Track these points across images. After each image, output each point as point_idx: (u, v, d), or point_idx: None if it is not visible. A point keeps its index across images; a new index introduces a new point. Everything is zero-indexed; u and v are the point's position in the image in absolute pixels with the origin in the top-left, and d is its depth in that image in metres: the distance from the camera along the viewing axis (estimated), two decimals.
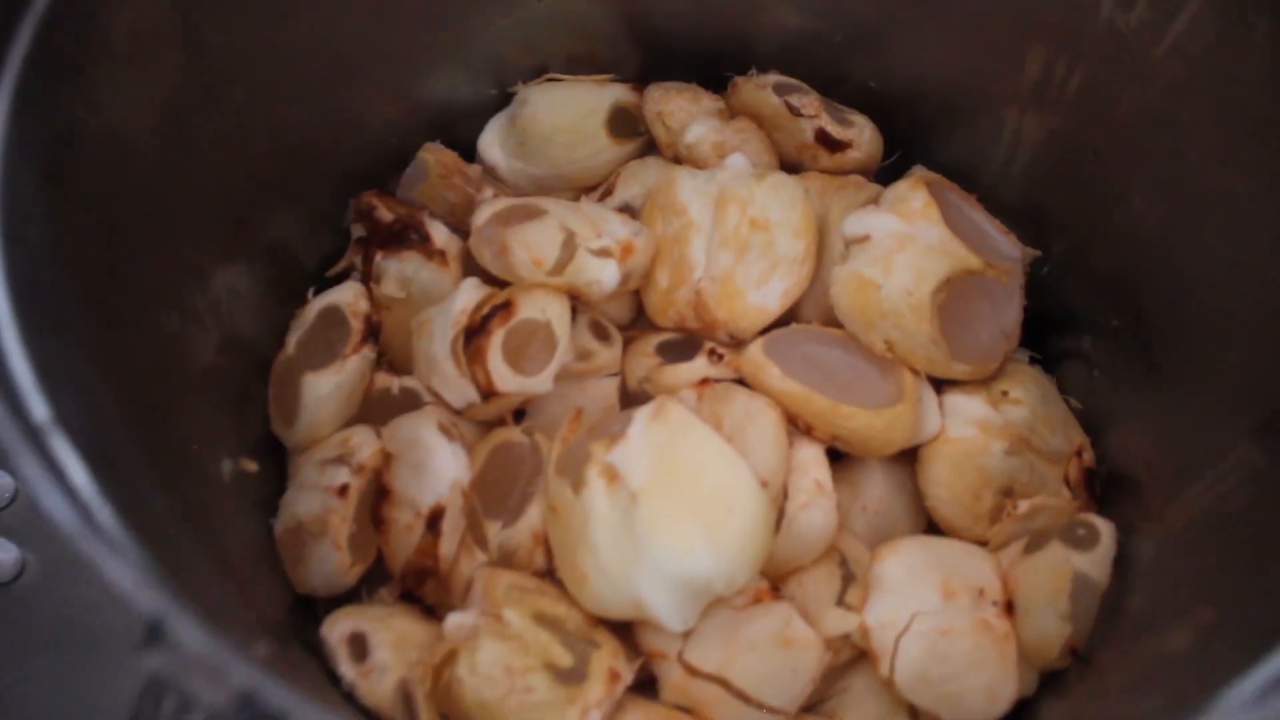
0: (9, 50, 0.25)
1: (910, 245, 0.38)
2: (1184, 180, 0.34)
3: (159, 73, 0.32)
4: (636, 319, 0.45)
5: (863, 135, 0.45)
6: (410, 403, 0.41)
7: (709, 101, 0.46)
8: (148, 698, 0.21)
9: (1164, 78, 0.34)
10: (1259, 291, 0.31)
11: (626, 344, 0.43)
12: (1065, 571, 0.35)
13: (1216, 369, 0.34)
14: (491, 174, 0.47)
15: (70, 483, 0.24)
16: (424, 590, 0.38)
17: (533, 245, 0.40)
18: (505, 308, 0.39)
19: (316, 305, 0.42)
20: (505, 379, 0.38)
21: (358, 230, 0.44)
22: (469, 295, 0.40)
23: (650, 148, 0.47)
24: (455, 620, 0.35)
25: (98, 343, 0.27)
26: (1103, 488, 0.40)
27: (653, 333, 0.43)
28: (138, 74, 0.30)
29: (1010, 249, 0.41)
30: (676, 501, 0.34)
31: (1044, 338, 0.44)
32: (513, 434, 0.40)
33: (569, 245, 0.40)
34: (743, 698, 0.35)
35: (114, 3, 0.29)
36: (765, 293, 0.41)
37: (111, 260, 0.29)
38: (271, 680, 0.18)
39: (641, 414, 0.36)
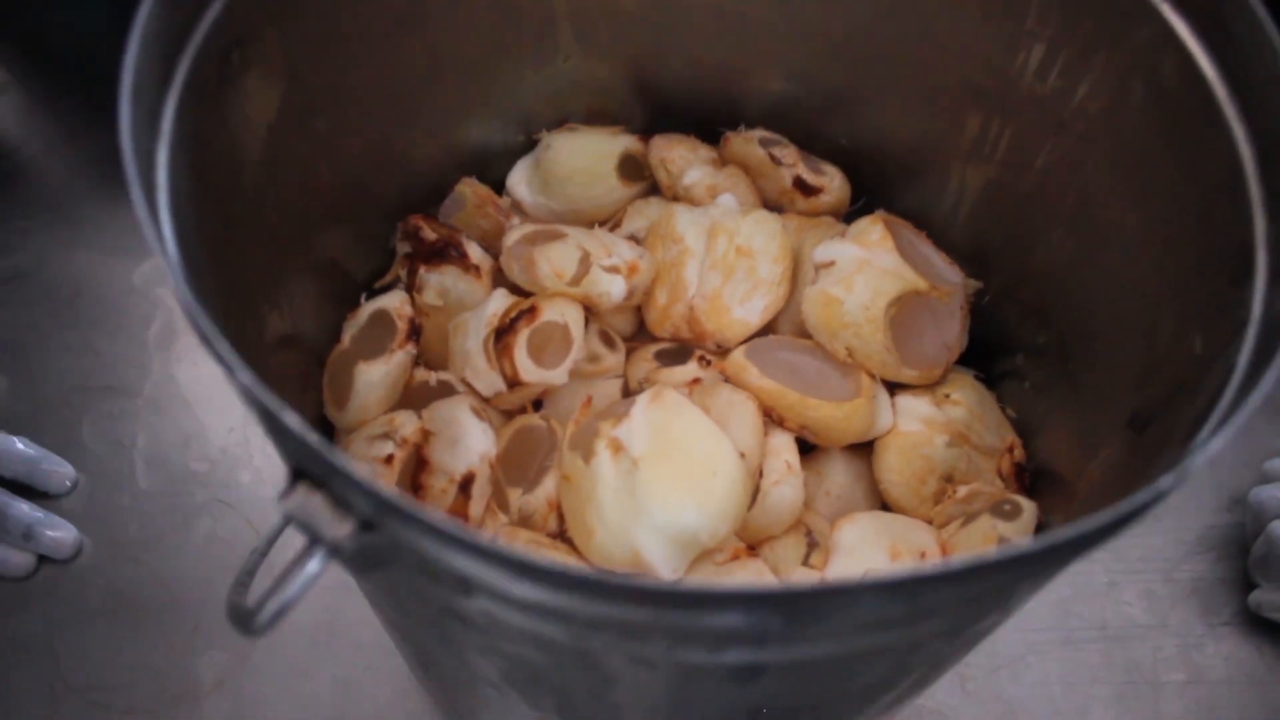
0: (175, 72, 0.33)
1: (868, 269, 0.46)
2: (1088, 216, 0.42)
3: (266, 102, 0.39)
4: (637, 332, 0.53)
5: (833, 183, 0.53)
6: (445, 393, 0.48)
7: (704, 151, 0.55)
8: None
9: (1073, 133, 0.42)
10: (1139, 305, 0.39)
11: (629, 352, 0.51)
12: (992, 536, 0.42)
13: (1112, 375, 0.42)
14: (518, 207, 0.54)
15: None
16: None
17: (554, 261, 0.47)
18: (530, 312, 0.47)
19: (368, 309, 0.49)
20: (529, 371, 0.46)
21: (404, 248, 0.52)
22: (499, 302, 0.47)
23: (654, 189, 0.56)
24: None
25: (221, 313, 0.34)
26: (1031, 480, 0.48)
27: (651, 343, 0.51)
28: (253, 102, 0.38)
29: (952, 275, 0.49)
30: (670, 467, 0.41)
31: (988, 360, 0.52)
32: (533, 419, 0.47)
33: (584, 262, 0.48)
34: None
35: (243, 40, 0.36)
36: (748, 309, 0.49)
37: (228, 248, 0.37)
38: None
39: (643, 398, 0.43)
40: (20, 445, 0.58)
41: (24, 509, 0.56)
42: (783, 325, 0.50)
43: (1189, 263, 0.34)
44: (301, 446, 0.24)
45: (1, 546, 0.56)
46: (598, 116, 0.56)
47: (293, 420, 0.24)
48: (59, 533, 0.56)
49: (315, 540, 0.26)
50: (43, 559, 0.57)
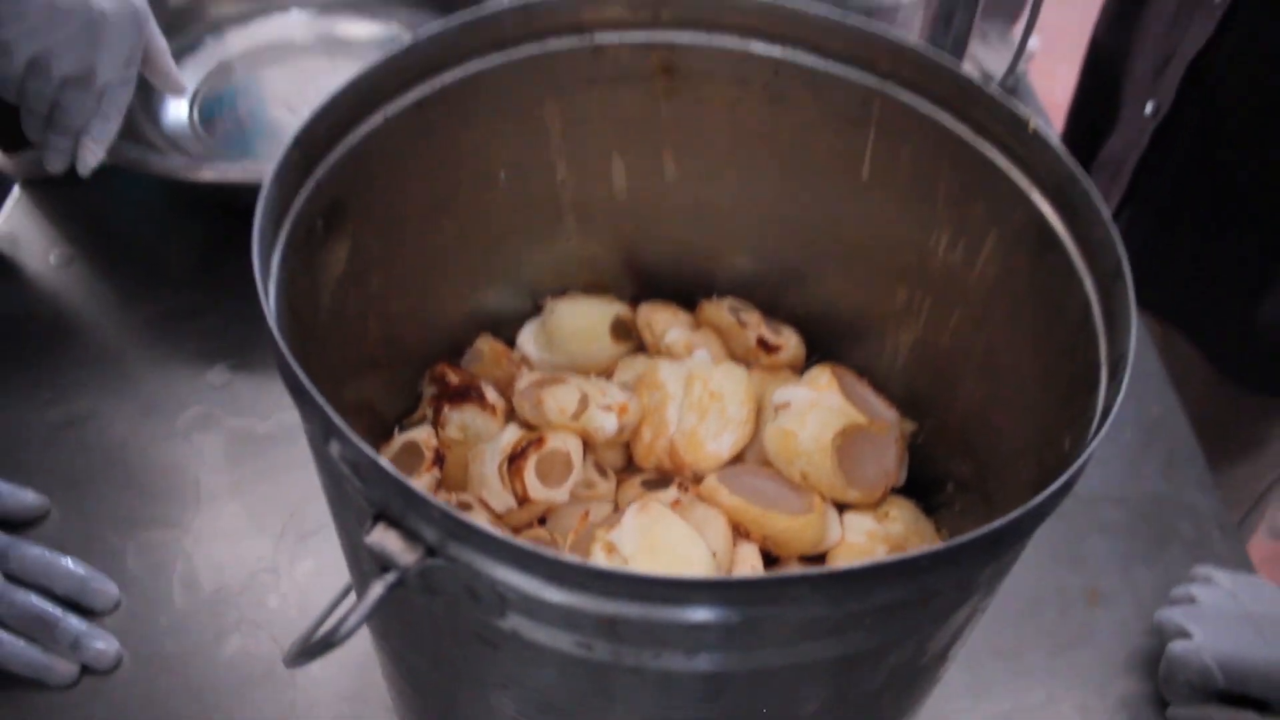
0: (280, 230, 0.43)
1: (818, 407, 0.56)
2: (993, 362, 0.53)
3: (336, 261, 0.50)
4: (626, 466, 0.61)
5: (790, 342, 0.63)
6: (464, 510, 0.57)
7: (683, 316, 0.65)
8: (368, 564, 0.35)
9: (976, 296, 0.53)
10: (1034, 426, 0.48)
11: (619, 482, 0.60)
12: None
13: (1017, 489, 0.50)
14: (526, 360, 0.64)
15: None
16: None
17: (559, 399, 0.57)
18: (538, 441, 0.56)
19: (400, 440, 0.58)
20: (536, 490, 0.54)
21: (430, 390, 0.61)
22: (512, 434, 0.56)
23: (641, 347, 0.66)
24: None
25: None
26: None
27: (638, 474, 0.60)
28: (328, 259, 0.48)
29: (887, 413, 0.58)
30: (655, 562, 0.49)
31: (925, 493, 0.61)
32: (539, 532, 0.55)
33: (584, 402, 0.57)
34: None
35: (323, 212, 0.47)
36: (719, 443, 0.58)
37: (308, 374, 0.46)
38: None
39: (632, 507, 0.52)
40: (70, 564, 0.65)
41: (73, 622, 0.63)
42: (749, 456, 0.59)
43: (1063, 384, 0.44)
44: (386, 486, 0.33)
45: (50, 656, 0.62)
46: (594, 287, 0.67)
47: (382, 461, 0.32)
48: (103, 645, 0.63)
49: (388, 568, 0.34)
50: (86, 669, 0.63)
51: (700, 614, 0.31)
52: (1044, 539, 0.70)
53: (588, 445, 0.58)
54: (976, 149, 0.50)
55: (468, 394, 0.59)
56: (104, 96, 0.76)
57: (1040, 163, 0.46)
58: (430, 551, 0.33)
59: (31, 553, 0.65)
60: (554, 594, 0.32)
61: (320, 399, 0.34)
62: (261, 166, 0.79)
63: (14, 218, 0.89)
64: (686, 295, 0.66)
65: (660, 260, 0.66)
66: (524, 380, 0.59)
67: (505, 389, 0.61)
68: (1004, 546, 0.33)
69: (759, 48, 0.55)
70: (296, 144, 0.44)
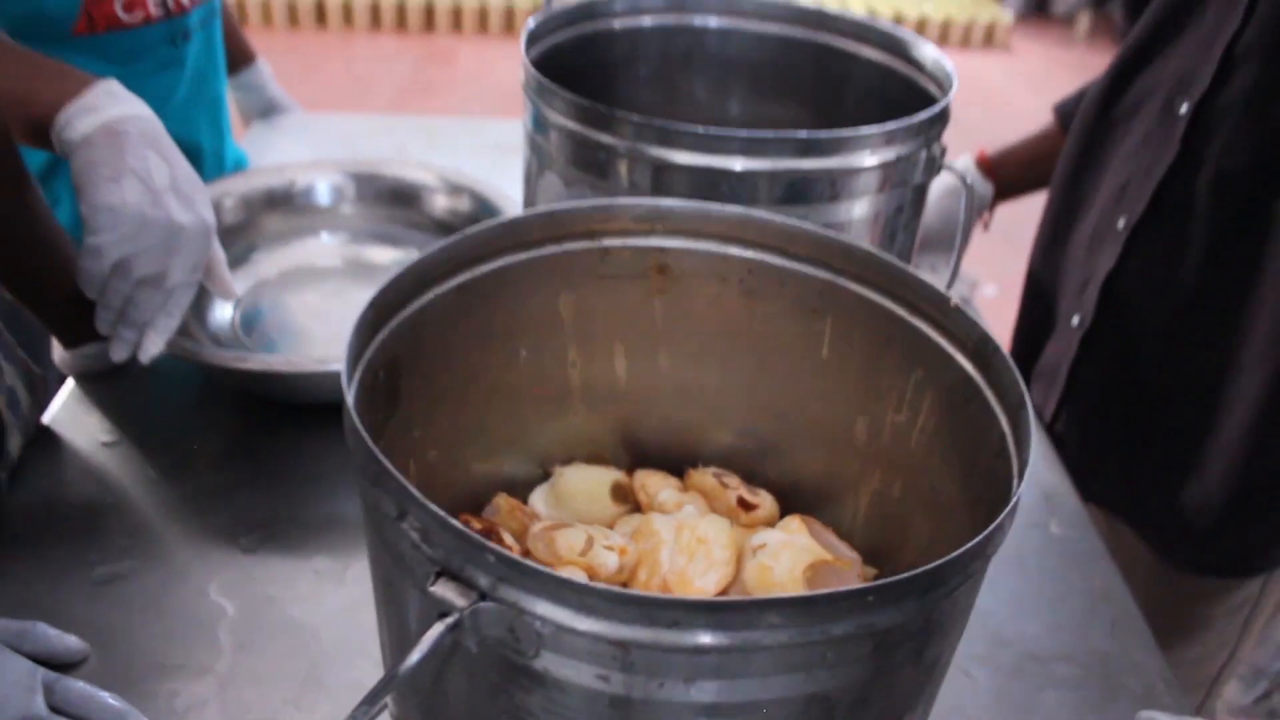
0: (355, 373, 0.53)
1: (790, 546, 0.65)
2: (935, 500, 0.62)
3: (389, 409, 0.60)
4: None
5: (766, 502, 0.73)
6: None
7: (674, 481, 0.75)
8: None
9: (920, 445, 0.63)
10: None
11: None
12: None
13: None
14: (535, 516, 0.73)
15: None
16: None
17: (568, 539, 0.66)
18: None
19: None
20: None
21: None
22: None
23: (637, 509, 0.75)
24: None
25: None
26: None
27: None
28: (385, 406, 0.59)
29: (849, 553, 0.67)
30: None
31: None
32: None
33: (589, 542, 0.66)
34: None
35: (383, 366, 0.58)
36: (705, 580, 0.67)
37: None
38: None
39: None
40: (110, 699, 0.71)
41: None
42: (732, 592, 0.67)
43: (985, 506, 0.54)
44: (454, 540, 0.42)
45: None
46: (596, 458, 0.77)
47: (450, 519, 0.42)
48: None
49: (446, 613, 0.42)
50: None
51: (697, 637, 0.40)
52: (1003, 693, 0.78)
53: (591, 579, 0.66)
54: (913, 325, 0.62)
55: (489, 536, 0.68)
56: (171, 296, 0.88)
57: (961, 331, 0.58)
58: (482, 596, 0.42)
59: (75, 687, 0.71)
60: (581, 622, 0.40)
61: (397, 474, 0.44)
62: (297, 360, 0.91)
63: (68, 404, 0.99)
64: (675, 466, 0.77)
65: (653, 436, 0.77)
66: (537, 526, 0.68)
67: (520, 536, 0.70)
68: (939, 584, 0.42)
69: (735, 251, 0.68)
70: (372, 306, 0.55)
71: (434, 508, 0.42)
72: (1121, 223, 0.98)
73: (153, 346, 0.89)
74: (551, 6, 0.89)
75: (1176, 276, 0.94)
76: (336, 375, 0.90)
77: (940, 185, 1.21)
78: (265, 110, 1.54)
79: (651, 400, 0.76)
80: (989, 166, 1.24)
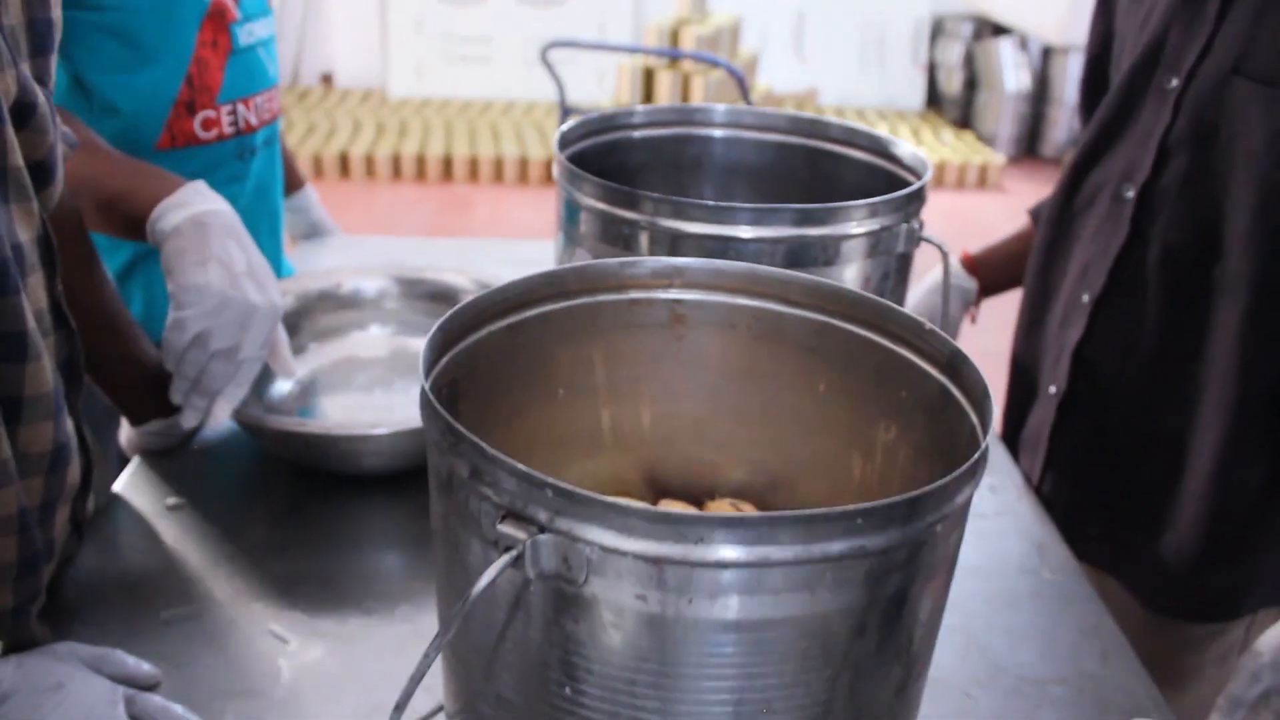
0: (430, 377, 0.64)
1: None
2: None
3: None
4: None
5: None
6: None
7: (694, 510, 0.84)
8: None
9: (906, 455, 0.73)
10: None
11: None
12: None
13: None
14: None
15: None
16: None
17: None
18: None
19: None
20: None
21: None
22: None
23: None
24: None
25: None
26: None
27: None
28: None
29: None
30: None
31: None
32: None
33: None
34: None
35: (448, 382, 0.68)
36: None
37: None
38: None
39: None
40: (182, 711, 0.78)
41: None
42: None
43: None
44: (521, 481, 0.51)
45: None
46: (622, 494, 0.86)
47: (518, 464, 0.51)
48: None
49: (511, 547, 0.51)
50: None
51: (719, 551, 0.49)
52: (1001, 712, 0.85)
53: None
54: (894, 351, 0.72)
55: None
56: (241, 368, 0.99)
57: (935, 349, 0.69)
58: (540, 529, 0.51)
59: (154, 701, 0.78)
60: (624, 542, 0.49)
61: (470, 435, 0.53)
62: (350, 424, 1.01)
63: (135, 475, 1.09)
64: (695, 498, 0.86)
65: (674, 473, 0.86)
66: None
67: None
68: (918, 514, 0.51)
69: (742, 301, 0.79)
70: (439, 329, 0.66)
71: (503, 456, 0.52)
72: (1086, 298, 1.10)
73: (222, 413, 0.99)
74: (566, 112, 1.03)
75: (1136, 343, 1.06)
76: (387, 438, 1.00)
77: (926, 283, 1.33)
78: (311, 231, 1.69)
79: (672, 440, 0.85)
80: (972, 265, 1.36)
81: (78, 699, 0.77)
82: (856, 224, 0.89)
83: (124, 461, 1.13)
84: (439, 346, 0.66)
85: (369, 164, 4.93)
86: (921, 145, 5.21)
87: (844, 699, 0.56)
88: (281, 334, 1.05)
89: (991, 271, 1.35)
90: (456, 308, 0.69)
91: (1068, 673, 0.91)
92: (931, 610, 0.59)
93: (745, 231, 0.87)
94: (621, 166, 1.11)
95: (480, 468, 0.54)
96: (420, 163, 4.96)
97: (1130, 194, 1.06)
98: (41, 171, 0.78)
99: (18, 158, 0.73)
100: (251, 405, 1.08)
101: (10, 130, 0.72)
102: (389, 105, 5.73)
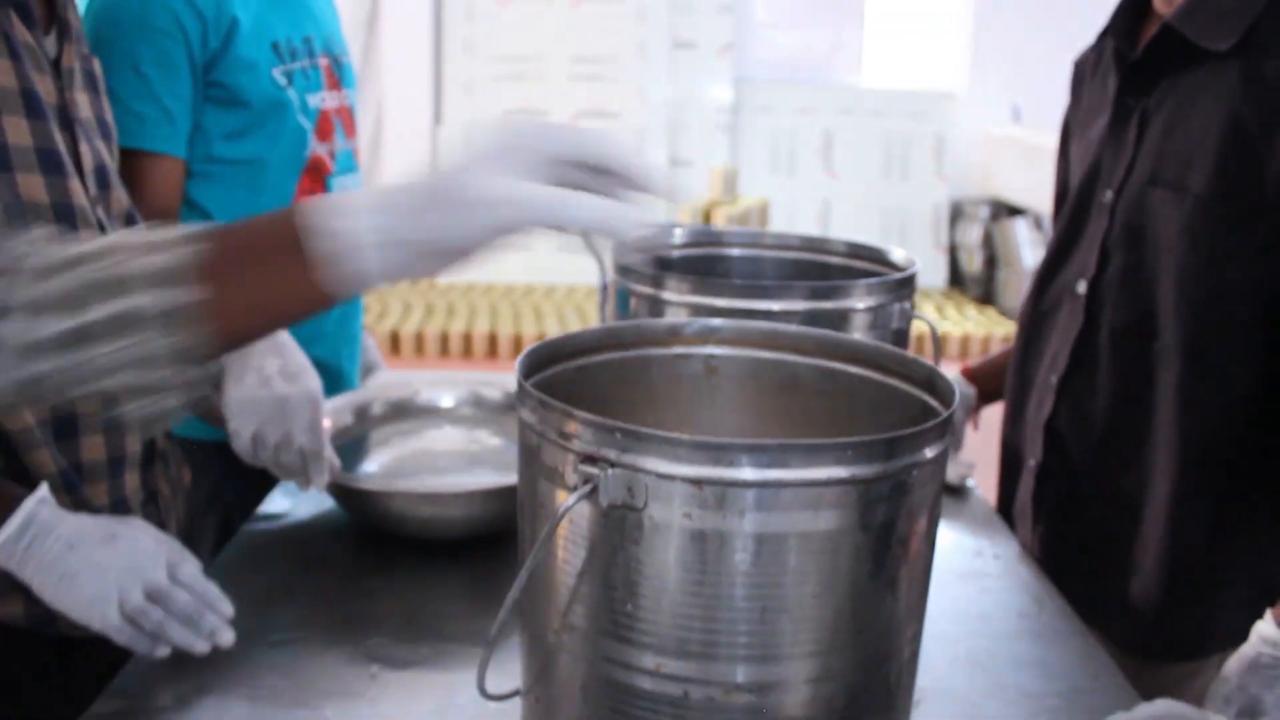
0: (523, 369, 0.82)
1: None
2: None
3: None
4: None
5: None
6: None
7: None
8: None
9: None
10: None
11: None
12: None
13: None
14: None
15: None
16: None
17: None
18: None
19: None
20: None
21: None
22: None
23: None
24: None
25: None
26: None
27: None
28: None
29: None
30: None
31: None
32: None
33: None
34: None
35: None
36: None
37: None
38: None
39: None
40: (216, 589, 0.98)
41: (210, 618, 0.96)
42: None
43: None
44: (596, 430, 0.69)
45: (195, 636, 0.94)
46: None
47: (592, 416, 0.69)
48: (230, 636, 0.96)
49: (588, 481, 0.68)
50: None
51: (743, 472, 0.66)
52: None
53: None
54: (887, 382, 0.90)
55: None
56: (304, 454, 1.15)
57: (917, 373, 0.86)
58: (611, 465, 0.68)
59: (193, 569, 0.98)
60: (674, 468, 0.66)
61: (559, 403, 0.71)
62: (439, 483, 1.19)
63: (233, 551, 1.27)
64: None
65: None
66: None
67: None
68: (900, 451, 0.68)
69: (766, 354, 0.98)
70: (528, 354, 0.84)
71: (583, 413, 0.70)
72: (1054, 379, 1.30)
73: (318, 481, 1.17)
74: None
75: (1094, 414, 1.25)
76: (471, 497, 1.17)
77: None
78: (368, 370, 1.90)
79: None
80: (971, 375, 1.55)
81: (123, 551, 0.93)
82: (858, 300, 1.08)
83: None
84: (528, 367, 0.84)
85: (418, 341, 5.24)
86: (946, 320, 5.45)
87: (846, 617, 0.71)
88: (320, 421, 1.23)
89: (988, 379, 1.53)
90: (537, 344, 0.87)
91: (1063, 689, 1.03)
92: (916, 555, 0.74)
93: (766, 305, 1.07)
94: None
95: (565, 427, 0.71)
96: (467, 339, 5.27)
97: (1082, 289, 1.27)
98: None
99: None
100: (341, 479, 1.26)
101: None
102: (437, 289, 6.11)
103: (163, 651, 0.94)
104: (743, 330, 0.98)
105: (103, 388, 0.65)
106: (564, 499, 0.72)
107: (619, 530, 0.70)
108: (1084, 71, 1.38)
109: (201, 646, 0.95)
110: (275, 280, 0.66)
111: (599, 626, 0.73)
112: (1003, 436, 1.44)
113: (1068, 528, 1.31)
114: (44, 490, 0.95)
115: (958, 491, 1.45)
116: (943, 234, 6.14)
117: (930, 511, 0.75)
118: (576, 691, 0.75)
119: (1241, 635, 1.19)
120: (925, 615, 0.80)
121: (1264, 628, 1.10)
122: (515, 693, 0.87)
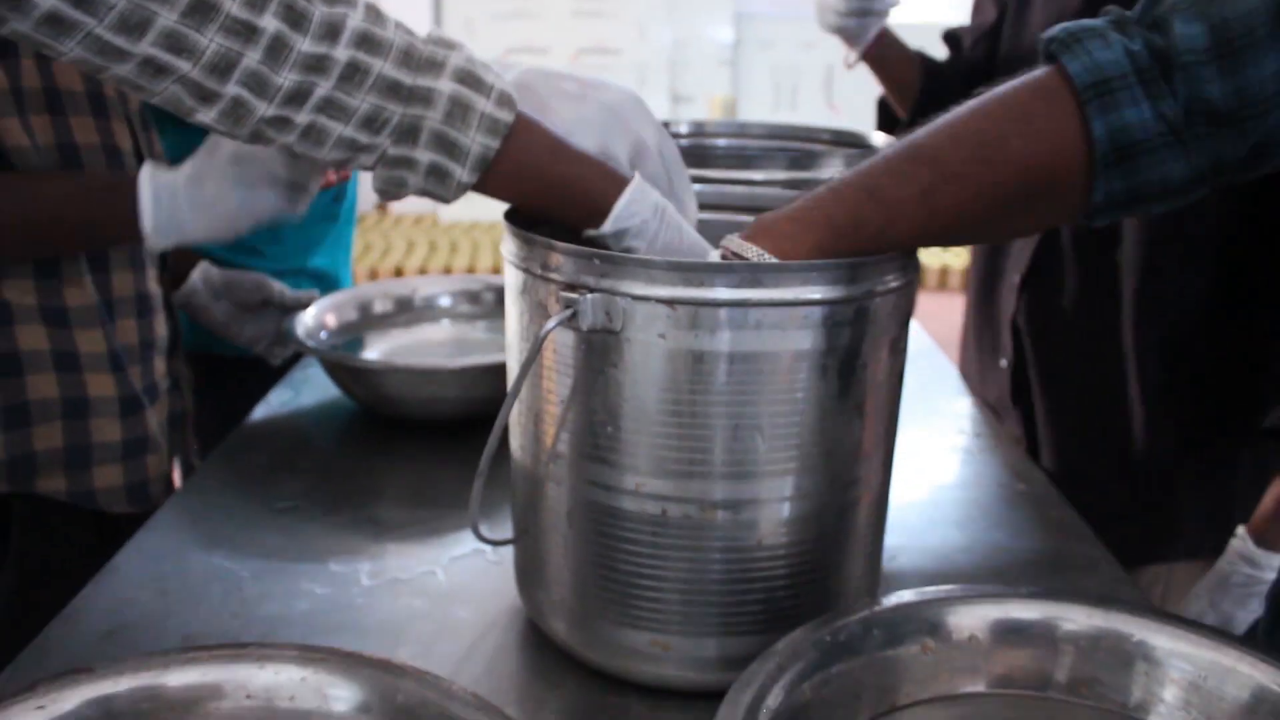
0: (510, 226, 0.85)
1: None
2: None
3: None
4: None
5: None
6: None
7: None
8: None
9: None
10: None
11: None
12: None
13: None
14: None
15: None
16: None
17: None
18: None
19: None
20: None
21: None
22: None
23: None
24: None
25: None
26: None
27: None
28: None
29: None
30: None
31: None
32: None
33: None
34: None
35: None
36: None
37: None
38: None
39: None
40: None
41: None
42: None
43: None
44: (578, 259, 0.72)
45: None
46: None
47: (571, 245, 0.72)
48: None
49: (569, 305, 0.72)
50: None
51: (716, 292, 0.69)
52: (978, 571, 1.01)
53: None
54: None
55: None
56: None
57: None
58: (589, 290, 0.72)
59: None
60: (648, 289, 0.70)
61: (541, 238, 0.74)
62: (435, 366, 1.23)
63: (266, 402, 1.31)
64: None
65: None
66: None
67: None
68: (863, 276, 0.71)
69: (747, 220, 1.00)
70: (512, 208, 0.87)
71: (565, 244, 0.73)
72: (1015, 278, 1.36)
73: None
74: None
75: (1061, 312, 1.31)
76: (465, 372, 1.21)
77: None
78: None
79: None
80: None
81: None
82: (839, 169, 1.11)
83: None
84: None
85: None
86: None
87: (815, 437, 0.74)
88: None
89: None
90: None
91: (1036, 545, 1.07)
92: (881, 383, 0.77)
93: (749, 174, 1.10)
94: None
95: (548, 260, 0.74)
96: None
97: None
98: None
99: None
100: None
101: None
102: (440, 228, 6.12)
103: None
104: (724, 195, 1.01)
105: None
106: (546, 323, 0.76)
107: (600, 354, 0.73)
108: None
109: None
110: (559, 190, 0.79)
111: (582, 451, 0.76)
112: (974, 330, 1.48)
113: (1053, 419, 1.36)
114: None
115: None
116: None
117: (893, 343, 0.78)
118: (563, 519, 0.79)
119: (1199, 549, 1.25)
120: (894, 450, 0.83)
121: (1239, 544, 1.14)
122: (508, 540, 0.92)
